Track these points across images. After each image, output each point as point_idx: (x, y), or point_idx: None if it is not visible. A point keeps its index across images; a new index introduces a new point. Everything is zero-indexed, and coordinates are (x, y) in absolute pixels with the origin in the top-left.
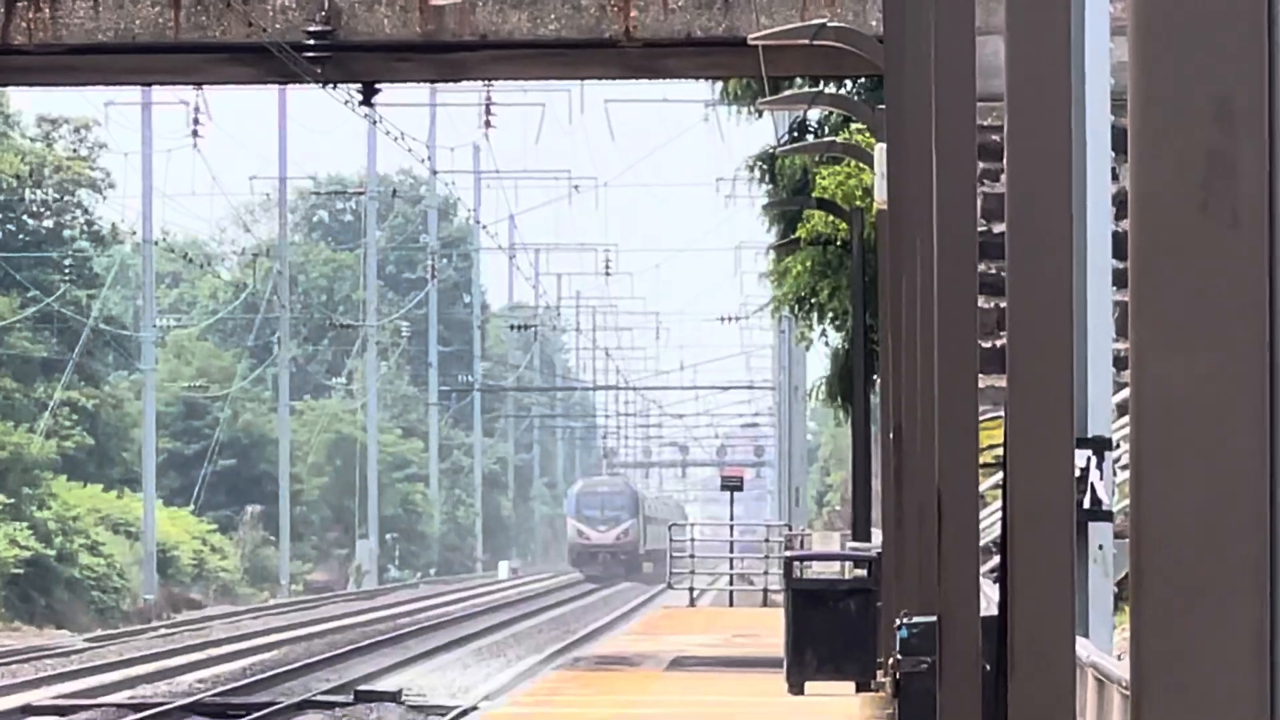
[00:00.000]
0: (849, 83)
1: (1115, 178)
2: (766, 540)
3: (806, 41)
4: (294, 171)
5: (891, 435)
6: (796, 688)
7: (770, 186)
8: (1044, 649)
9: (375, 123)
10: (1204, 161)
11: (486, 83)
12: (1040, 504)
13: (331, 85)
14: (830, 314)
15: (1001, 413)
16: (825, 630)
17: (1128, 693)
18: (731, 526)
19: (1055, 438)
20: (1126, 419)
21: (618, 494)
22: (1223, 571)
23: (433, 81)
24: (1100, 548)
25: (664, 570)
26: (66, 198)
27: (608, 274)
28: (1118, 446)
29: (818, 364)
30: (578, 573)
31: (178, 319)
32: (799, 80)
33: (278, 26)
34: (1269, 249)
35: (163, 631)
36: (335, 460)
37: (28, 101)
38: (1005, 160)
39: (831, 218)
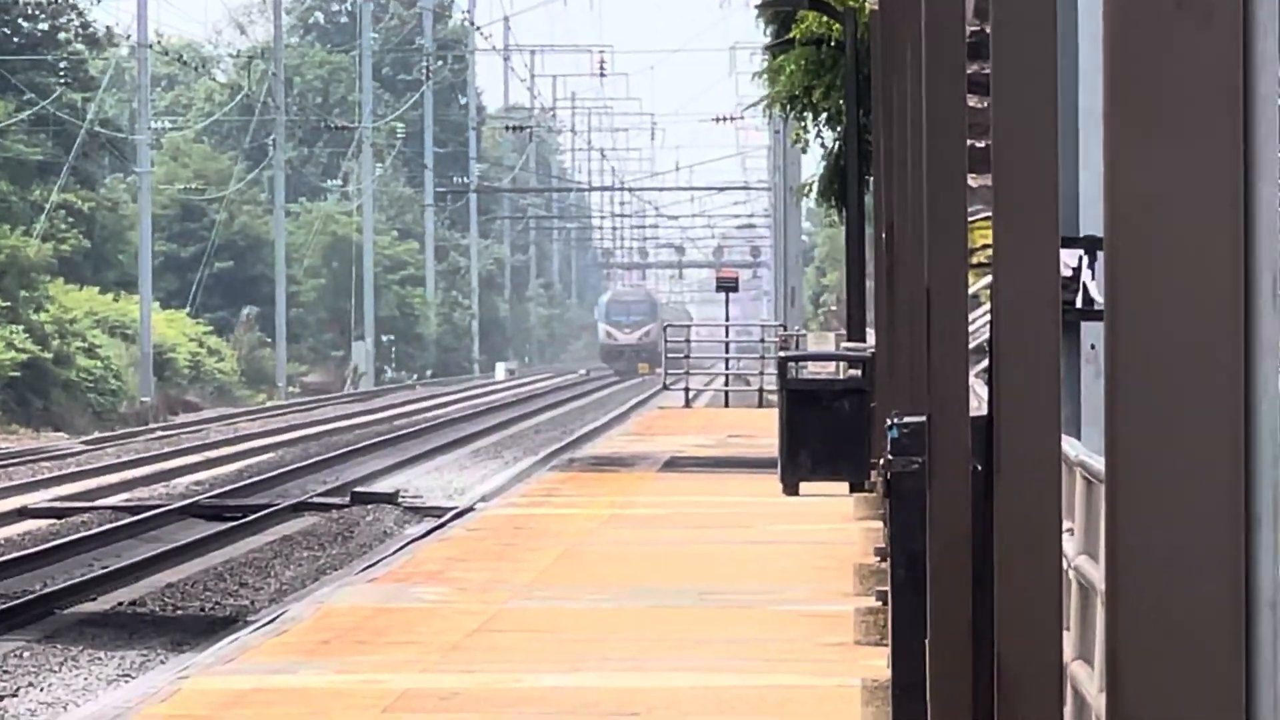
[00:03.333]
0: None
1: None
2: (762, 341)
3: None
4: None
5: (884, 235)
6: (791, 488)
7: None
8: (1030, 448)
9: None
10: None
11: None
12: (1026, 302)
13: None
14: (824, 114)
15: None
16: (820, 431)
17: None
18: (727, 327)
19: (1041, 236)
20: None
21: (640, 301)
22: (1197, 358)
23: None
24: (1092, 347)
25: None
26: (61, 1)
27: (603, 75)
28: None
29: (813, 165)
30: (571, 375)
31: (173, 122)
32: None
33: None
34: (1243, 48)
35: (159, 434)
36: (332, 262)
37: None
38: None
39: (825, 18)
